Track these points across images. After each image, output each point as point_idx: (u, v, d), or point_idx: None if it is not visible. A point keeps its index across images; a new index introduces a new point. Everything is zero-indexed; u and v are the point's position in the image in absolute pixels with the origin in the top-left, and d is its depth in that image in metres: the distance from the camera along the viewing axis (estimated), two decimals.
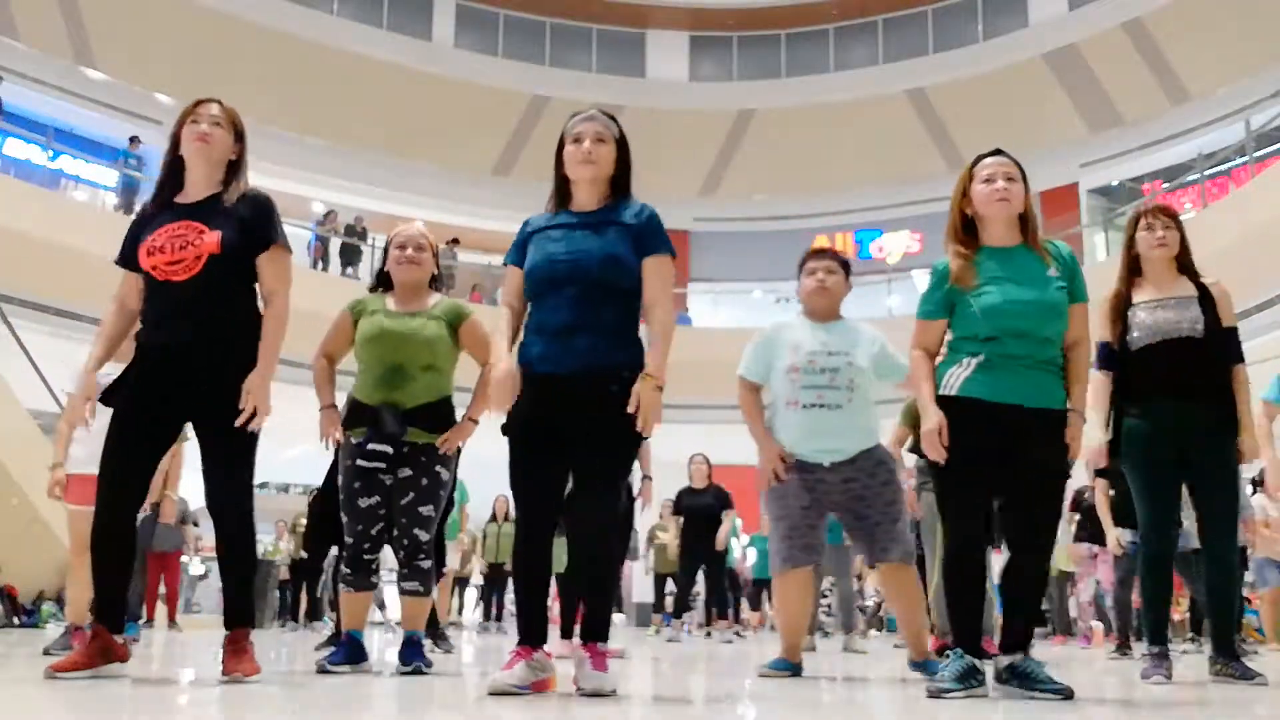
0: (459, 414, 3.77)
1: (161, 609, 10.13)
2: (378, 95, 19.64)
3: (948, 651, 3.02)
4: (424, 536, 3.66)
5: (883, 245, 21.19)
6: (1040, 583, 3.13)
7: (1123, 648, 6.69)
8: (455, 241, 18.93)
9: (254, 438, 3.08)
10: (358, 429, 3.66)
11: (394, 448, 3.62)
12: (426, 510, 3.66)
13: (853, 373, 3.84)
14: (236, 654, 2.99)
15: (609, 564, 2.89)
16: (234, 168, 3.22)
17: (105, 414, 3.18)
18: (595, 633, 2.85)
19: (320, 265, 17.53)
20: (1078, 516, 8.17)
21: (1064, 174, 19.43)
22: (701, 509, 8.76)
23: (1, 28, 17.65)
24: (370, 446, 3.60)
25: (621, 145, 3.05)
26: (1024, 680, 2.89)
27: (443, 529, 4.12)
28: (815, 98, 21.14)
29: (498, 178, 21.18)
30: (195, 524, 10.65)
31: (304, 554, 10.26)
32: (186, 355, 3.03)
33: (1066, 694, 2.81)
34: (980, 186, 3.11)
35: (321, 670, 3.59)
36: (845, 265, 4.10)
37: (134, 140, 16.95)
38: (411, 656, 3.69)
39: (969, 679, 2.87)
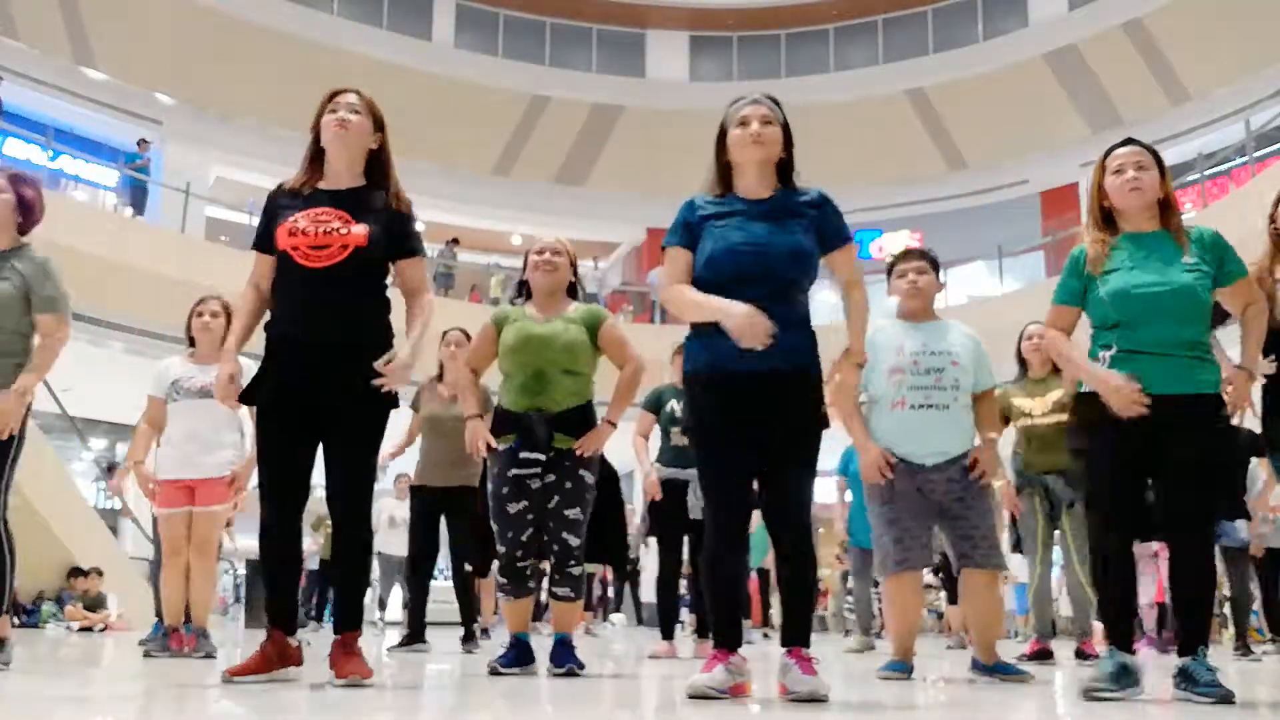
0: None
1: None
2: (378, 95, 19.50)
3: (1094, 651, 2.96)
4: (574, 541, 3.70)
5: (883, 245, 21.17)
6: (1205, 577, 2.94)
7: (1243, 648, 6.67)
8: (455, 241, 18.95)
9: (380, 432, 3.07)
10: (506, 436, 3.71)
11: (543, 453, 3.66)
12: (574, 514, 3.69)
13: (957, 373, 3.80)
14: (348, 656, 2.95)
15: (813, 565, 2.81)
16: (376, 160, 3.18)
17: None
18: (800, 637, 2.76)
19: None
20: None
21: (1064, 174, 19.41)
22: None
23: (1, 27, 17.64)
24: (522, 455, 3.65)
25: (786, 131, 2.94)
26: (1188, 682, 2.80)
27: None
28: (815, 98, 21.11)
29: (498, 178, 21.16)
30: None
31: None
32: (325, 349, 2.99)
33: (1224, 698, 2.70)
34: (1112, 178, 3.07)
35: (493, 672, 3.65)
36: (935, 263, 4.04)
37: (142, 143, 16.99)
38: (564, 659, 3.72)
39: (1122, 678, 2.83)
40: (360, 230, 3.01)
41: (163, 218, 16.66)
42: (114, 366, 13.42)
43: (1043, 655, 5.24)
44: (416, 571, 5.92)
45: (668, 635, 5.64)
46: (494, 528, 3.74)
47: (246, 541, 14.02)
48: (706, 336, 2.76)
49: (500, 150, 21.22)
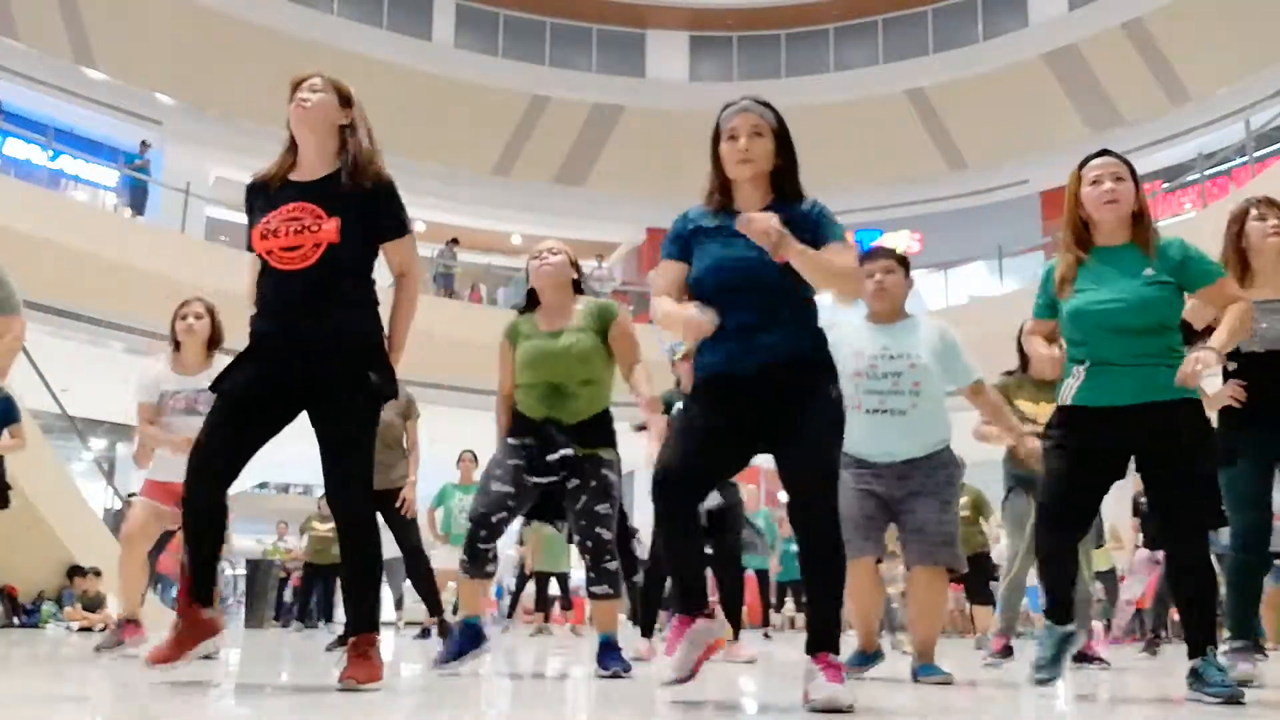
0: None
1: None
2: (378, 95, 19.59)
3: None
4: (606, 535, 3.66)
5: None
6: (1203, 580, 2.95)
7: (1153, 646, 6.70)
8: (455, 241, 18.96)
9: (371, 426, 2.99)
10: (523, 438, 3.68)
11: (552, 466, 3.63)
12: (603, 509, 3.66)
13: (917, 374, 3.75)
14: (354, 659, 2.86)
15: (842, 567, 2.64)
16: (347, 136, 3.06)
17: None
18: (827, 642, 2.58)
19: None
20: (1137, 520, 8.10)
21: (1064, 174, 18.73)
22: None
23: (1, 27, 17.64)
24: (533, 463, 3.62)
25: (781, 136, 2.84)
26: (1199, 682, 2.84)
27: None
28: (815, 98, 21.11)
29: (498, 178, 21.17)
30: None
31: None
32: (304, 350, 2.93)
33: (1231, 698, 2.73)
34: (1089, 189, 3.10)
35: (438, 666, 3.62)
36: (904, 262, 3.98)
37: (144, 145, 17.00)
38: (610, 661, 3.67)
39: (1063, 646, 3.10)
40: (331, 225, 2.92)
41: (163, 218, 16.66)
42: (114, 366, 13.41)
43: (1005, 652, 5.18)
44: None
45: (647, 634, 5.66)
46: (473, 500, 3.70)
47: (246, 542, 14.04)
48: (700, 350, 2.75)
49: (500, 150, 21.22)
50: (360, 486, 2.96)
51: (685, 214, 2.88)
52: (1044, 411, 5.10)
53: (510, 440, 3.70)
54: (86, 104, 18.69)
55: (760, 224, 2.53)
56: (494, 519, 3.61)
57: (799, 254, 2.55)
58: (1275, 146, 14.21)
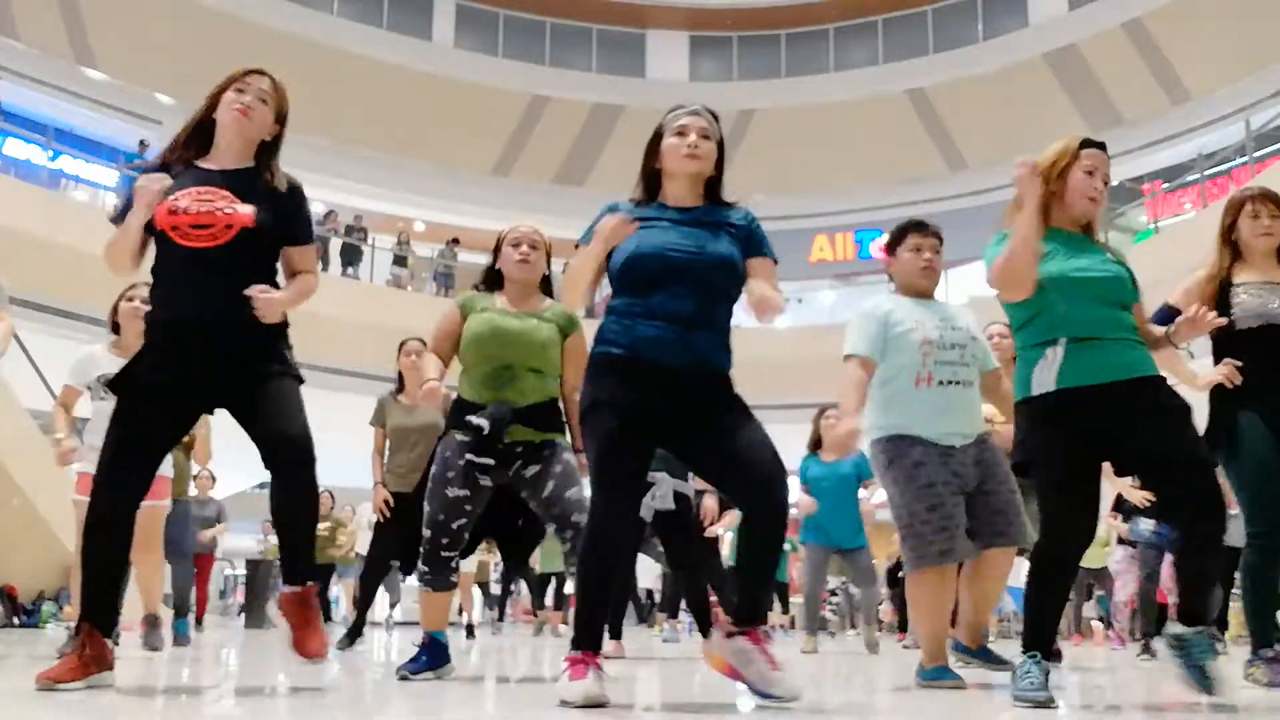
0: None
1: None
2: (378, 95, 19.65)
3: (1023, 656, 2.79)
4: (584, 520, 3.28)
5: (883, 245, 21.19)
6: (1214, 547, 2.80)
7: (1148, 648, 6.67)
8: (455, 241, 18.96)
9: (298, 398, 2.88)
10: (465, 428, 3.43)
11: (503, 453, 3.42)
12: (574, 493, 3.41)
13: (975, 349, 3.63)
14: (307, 624, 2.75)
15: (782, 519, 2.58)
16: (267, 149, 3.04)
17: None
18: (755, 612, 2.56)
19: (320, 265, 17.56)
20: (1119, 517, 8.07)
21: None
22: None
23: (1, 28, 17.64)
24: (482, 452, 3.39)
25: (721, 149, 2.87)
26: (1183, 653, 2.78)
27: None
28: (815, 98, 21.12)
29: (498, 178, 21.17)
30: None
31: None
32: (216, 330, 2.82)
33: (1208, 688, 2.69)
34: (1081, 176, 2.97)
35: (403, 678, 3.43)
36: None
37: (143, 145, 16.99)
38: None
39: (1048, 684, 2.72)
40: (246, 210, 2.86)
41: None
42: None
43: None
44: (371, 573, 6.12)
45: (615, 634, 5.68)
46: (425, 509, 3.45)
47: (246, 542, 14.04)
48: (638, 317, 2.66)
49: (500, 150, 21.22)
50: (303, 431, 2.84)
51: (610, 206, 2.82)
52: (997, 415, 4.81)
53: (457, 435, 3.45)
54: (86, 104, 18.71)
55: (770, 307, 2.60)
56: (454, 525, 3.42)
57: (775, 299, 2.64)
58: (1275, 146, 14.21)
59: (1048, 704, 2.62)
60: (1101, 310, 2.86)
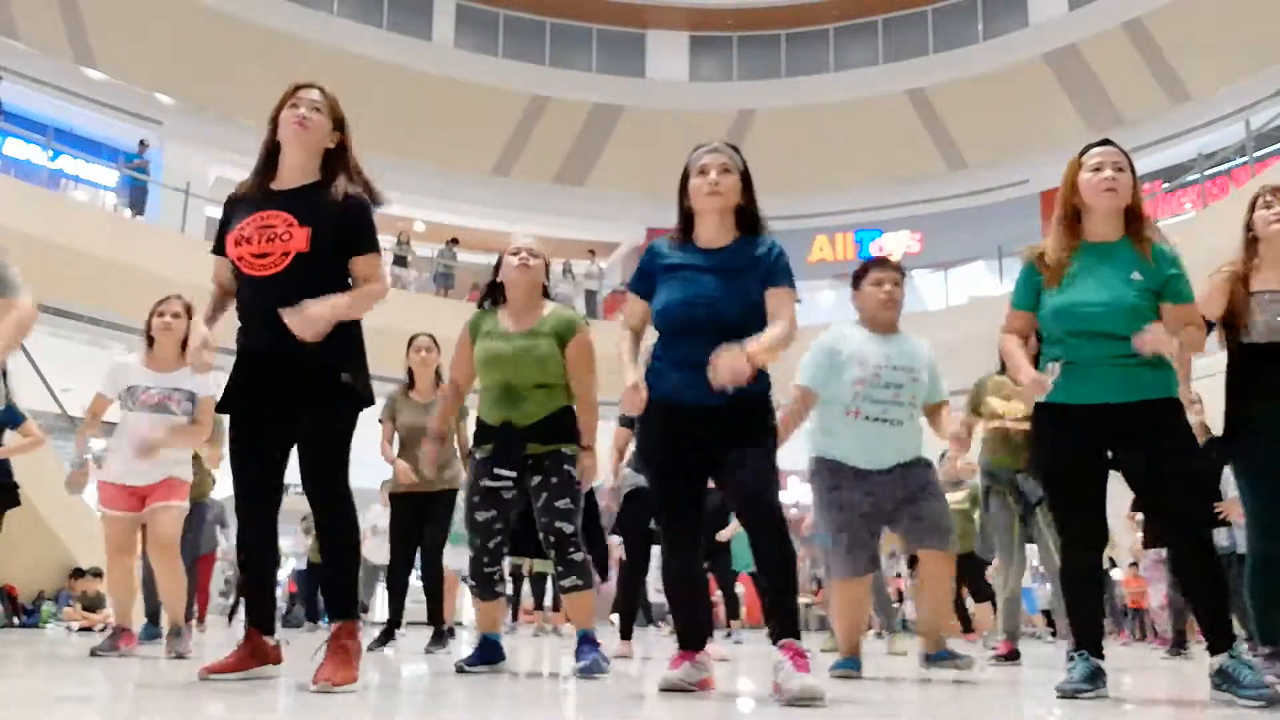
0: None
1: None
2: (378, 95, 19.65)
3: (1071, 655, 3.01)
4: (568, 528, 3.73)
5: (883, 245, 21.18)
6: (1210, 573, 2.91)
7: (1177, 648, 6.67)
8: (455, 241, 18.96)
9: (347, 431, 3.06)
10: (484, 446, 3.81)
11: (519, 464, 3.75)
12: (563, 504, 3.74)
13: (915, 389, 3.87)
14: (331, 657, 2.87)
15: (784, 543, 2.87)
16: (333, 156, 3.12)
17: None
18: (786, 628, 2.78)
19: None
20: (1140, 516, 8.04)
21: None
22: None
23: (1, 28, 17.64)
24: (496, 470, 3.75)
25: (745, 178, 3.07)
26: (1229, 683, 2.77)
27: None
28: (815, 98, 21.13)
29: (497, 178, 21.17)
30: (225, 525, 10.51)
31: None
32: (278, 359, 2.98)
33: (1272, 700, 2.66)
34: (1089, 175, 3.05)
35: (460, 670, 3.74)
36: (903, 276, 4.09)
37: (143, 144, 16.99)
38: (583, 654, 3.71)
39: (1096, 680, 2.91)
40: (302, 235, 2.95)
41: (163, 218, 16.66)
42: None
43: (1012, 656, 5.33)
44: (396, 576, 6.10)
45: (626, 635, 5.75)
46: (466, 529, 3.87)
47: None
48: (668, 366, 2.99)
49: (500, 150, 21.23)
50: (339, 472, 3.04)
51: (651, 248, 3.12)
52: (1012, 410, 5.13)
53: (476, 455, 3.83)
54: (86, 104, 18.70)
55: (727, 375, 2.72)
56: (490, 544, 3.79)
57: (765, 355, 2.79)
58: (1275, 146, 14.21)
59: (1074, 695, 2.84)
60: (1092, 343, 2.97)
